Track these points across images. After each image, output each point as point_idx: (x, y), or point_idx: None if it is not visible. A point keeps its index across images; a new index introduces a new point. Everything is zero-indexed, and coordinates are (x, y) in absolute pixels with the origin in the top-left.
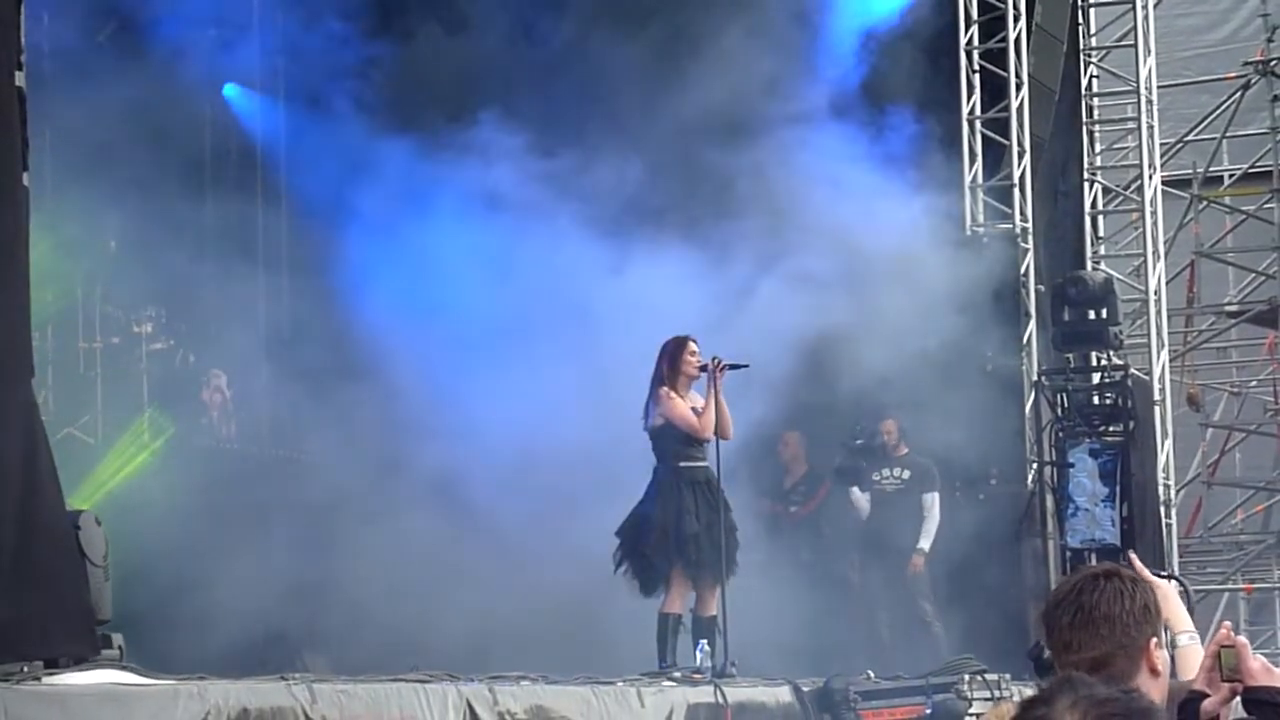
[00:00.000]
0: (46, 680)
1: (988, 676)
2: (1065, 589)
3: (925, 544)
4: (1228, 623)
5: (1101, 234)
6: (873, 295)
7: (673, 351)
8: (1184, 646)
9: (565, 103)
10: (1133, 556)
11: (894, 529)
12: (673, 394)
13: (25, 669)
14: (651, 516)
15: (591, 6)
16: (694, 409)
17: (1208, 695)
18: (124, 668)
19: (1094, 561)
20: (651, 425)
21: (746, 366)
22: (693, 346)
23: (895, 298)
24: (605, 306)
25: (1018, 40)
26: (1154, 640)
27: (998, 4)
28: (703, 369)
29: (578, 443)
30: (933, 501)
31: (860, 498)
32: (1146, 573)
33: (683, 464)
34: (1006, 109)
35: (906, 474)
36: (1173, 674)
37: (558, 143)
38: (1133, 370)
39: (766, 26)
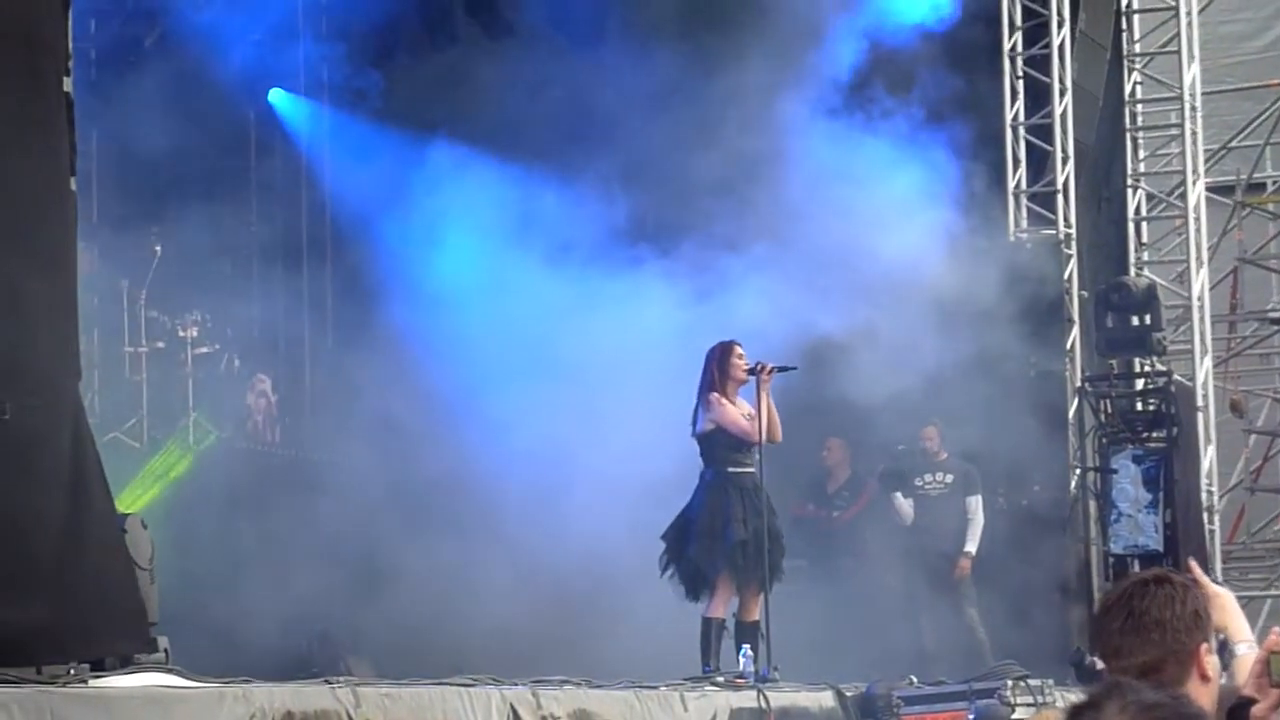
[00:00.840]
0: (92, 683)
1: (1030, 682)
2: (1115, 594)
3: (972, 547)
4: (1277, 628)
5: (1145, 240)
6: (917, 301)
7: (720, 356)
8: (1242, 655)
9: (605, 112)
10: (1192, 564)
11: (938, 533)
12: (724, 400)
13: (72, 671)
14: (698, 521)
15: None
16: (744, 414)
17: (1257, 701)
18: (169, 670)
19: (1138, 568)
20: (701, 430)
21: (795, 369)
22: (739, 350)
23: (939, 304)
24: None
25: (1061, 46)
26: (1204, 646)
27: (1041, 10)
28: (750, 372)
29: (615, 449)
30: (976, 505)
31: (904, 503)
32: (1206, 580)
33: (731, 469)
34: (1050, 115)
35: (949, 478)
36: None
37: (598, 158)
38: (1176, 376)
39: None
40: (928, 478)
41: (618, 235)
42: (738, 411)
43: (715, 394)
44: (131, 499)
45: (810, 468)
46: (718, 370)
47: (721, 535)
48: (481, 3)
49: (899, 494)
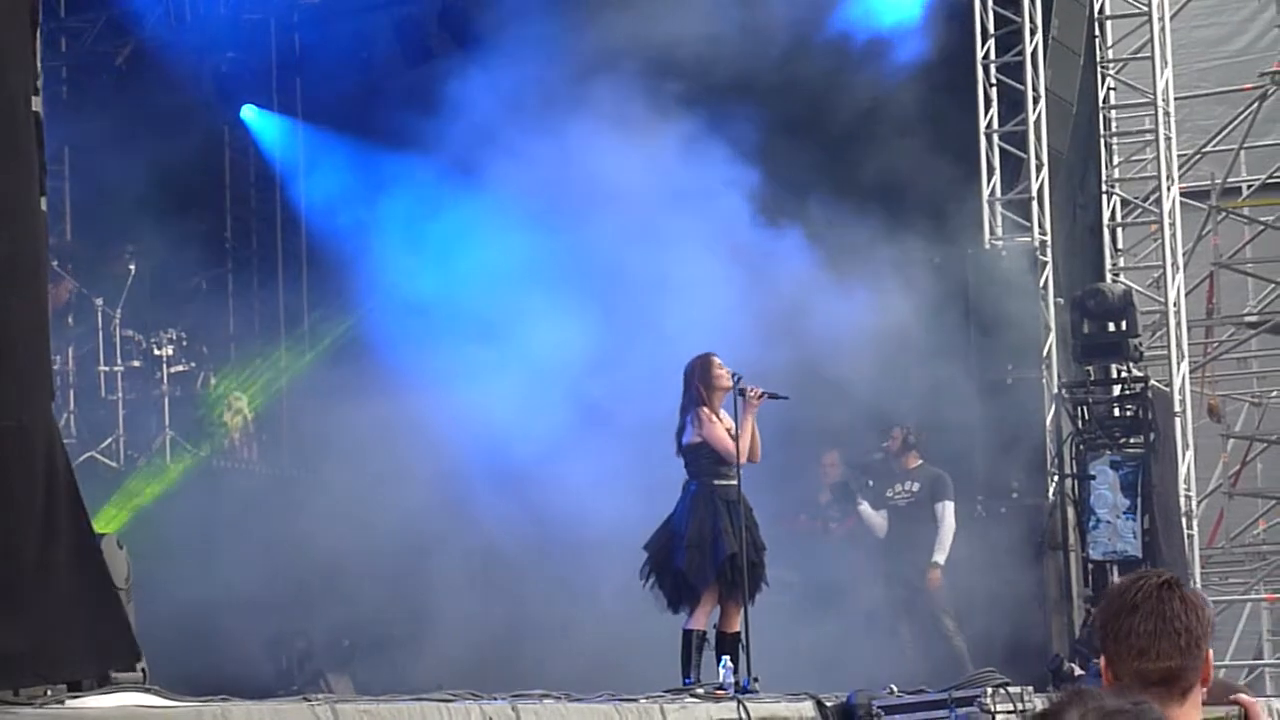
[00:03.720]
0: (70, 703)
1: (1010, 689)
2: (1139, 595)
3: (940, 557)
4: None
5: (1120, 246)
6: (891, 310)
7: (701, 371)
8: None
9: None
10: (1244, 699)
11: (910, 543)
12: (712, 416)
13: (49, 692)
14: (686, 535)
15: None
16: (727, 430)
17: None
18: (147, 690)
19: (1117, 574)
20: (688, 442)
21: (787, 399)
22: (716, 360)
23: (913, 312)
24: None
25: (1034, 54)
26: (1209, 651)
27: (1014, 18)
28: (734, 383)
29: (601, 458)
30: (945, 511)
31: (874, 515)
32: (1257, 707)
33: (716, 482)
34: (1024, 122)
35: (916, 486)
36: None
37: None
38: (1153, 382)
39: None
40: (897, 488)
41: (604, 245)
42: (723, 429)
43: (705, 409)
44: (109, 519)
45: (801, 480)
46: (701, 385)
47: (711, 548)
48: (454, 16)
49: (867, 505)
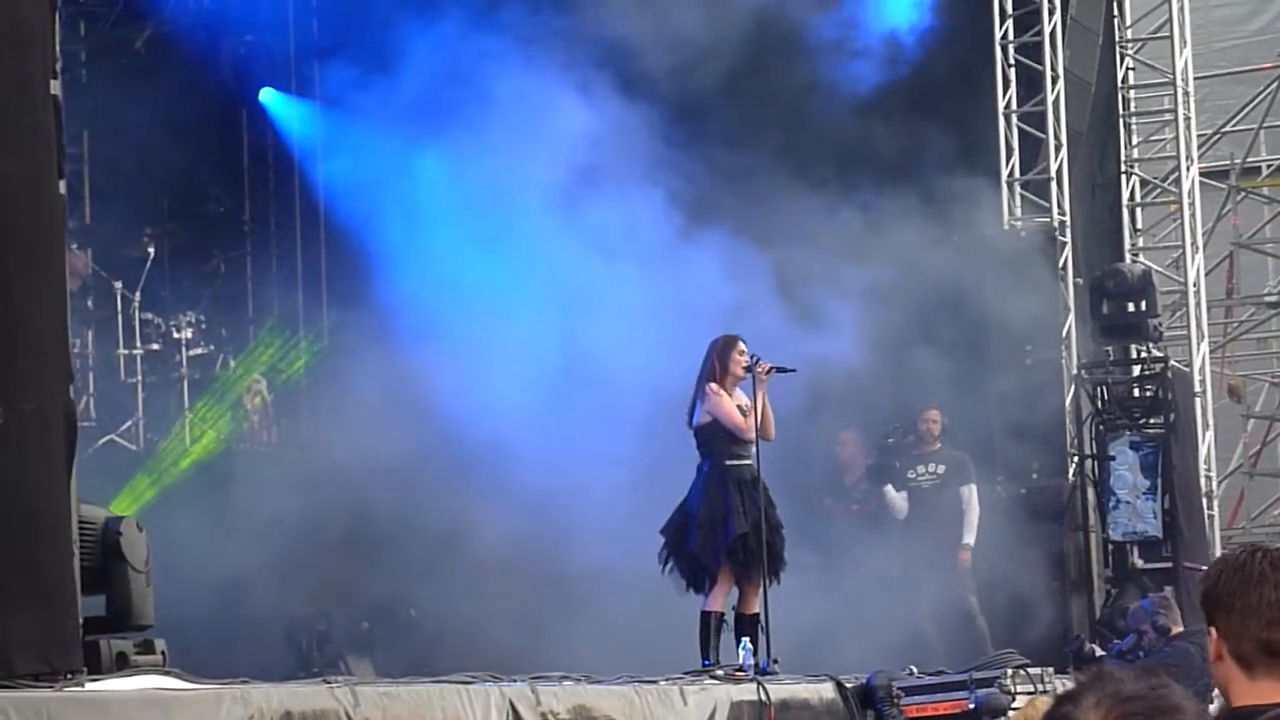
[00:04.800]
0: (90, 686)
1: (1030, 670)
2: (1267, 565)
3: (969, 538)
4: None
5: (1139, 226)
6: (910, 290)
7: (722, 350)
8: None
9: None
10: None
11: (933, 525)
12: (721, 391)
13: (70, 675)
14: (698, 515)
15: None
16: (740, 407)
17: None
18: (167, 672)
19: (1137, 554)
20: (699, 422)
21: (794, 371)
22: (741, 346)
23: (933, 293)
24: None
25: (1053, 34)
26: None
27: None
28: (748, 369)
29: (619, 438)
30: (970, 494)
31: (896, 496)
32: None
33: (729, 462)
34: (1043, 103)
35: (941, 469)
36: None
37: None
38: (1173, 362)
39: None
40: (920, 470)
41: (626, 232)
42: (733, 404)
43: (714, 385)
44: (129, 501)
45: (821, 462)
46: (718, 363)
47: (722, 528)
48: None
49: (890, 487)
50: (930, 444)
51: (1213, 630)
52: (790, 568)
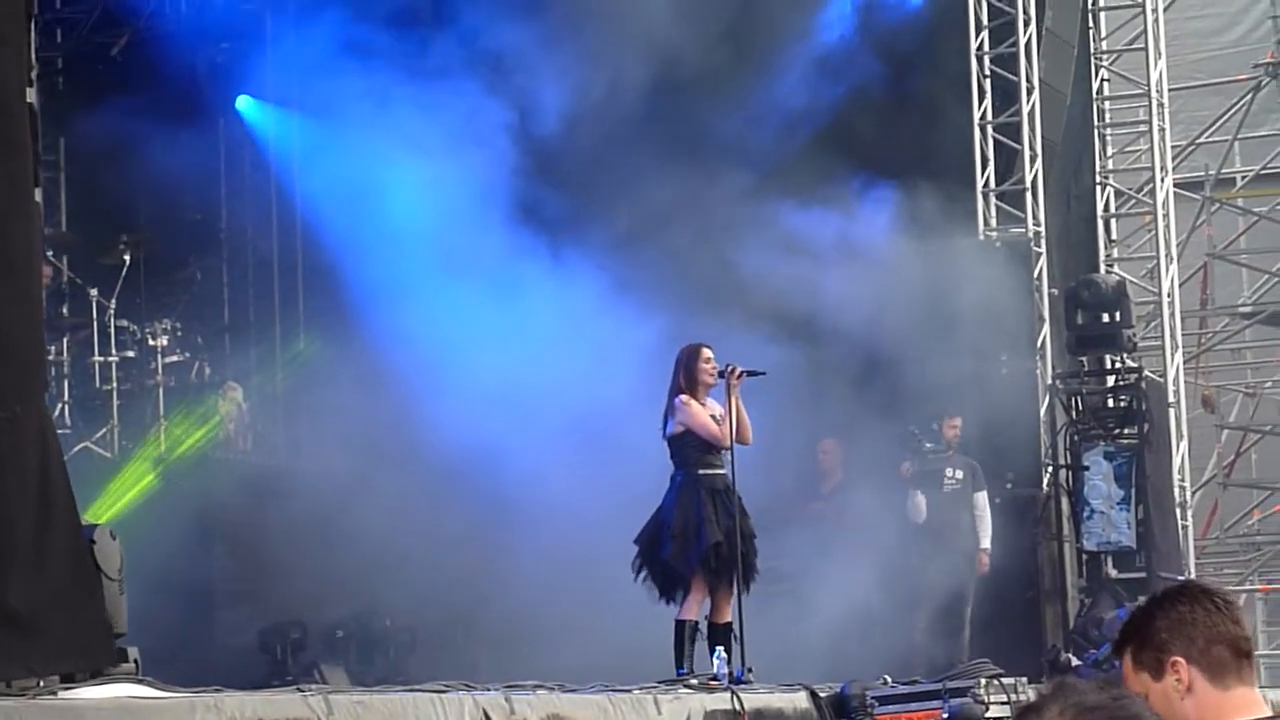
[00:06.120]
0: (62, 695)
1: (1004, 680)
2: (1225, 598)
3: (986, 542)
4: None
5: (1114, 237)
6: (887, 301)
7: (688, 360)
8: None
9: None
10: None
11: (955, 530)
12: (692, 401)
13: (41, 684)
14: (671, 525)
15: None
16: (713, 416)
17: None
18: (140, 681)
19: (1111, 564)
20: (671, 433)
21: (764, 374)
22: (707, 353)
23: (907, 303)
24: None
25: (1028, 45)
26: None
27: (1008, 9)
28: (720, 375)
29: (593, 446)
30: (984, 501)
31: (921, 501)
32: None
33: (702, 471)
34: (1018, 113)
35: (960, 474)
36: None
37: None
38: (1147, 373)
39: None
40: (947, 473)
41: (598, 249)
42: (706, 413)
43: (684, 395)
44: (103, 509)
45: (793, 469)
46: (685, 373)
47: (695, 537)
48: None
49: (919, 492)
50: (950, 450)
51: (1178, 662)
52: (765, 576)
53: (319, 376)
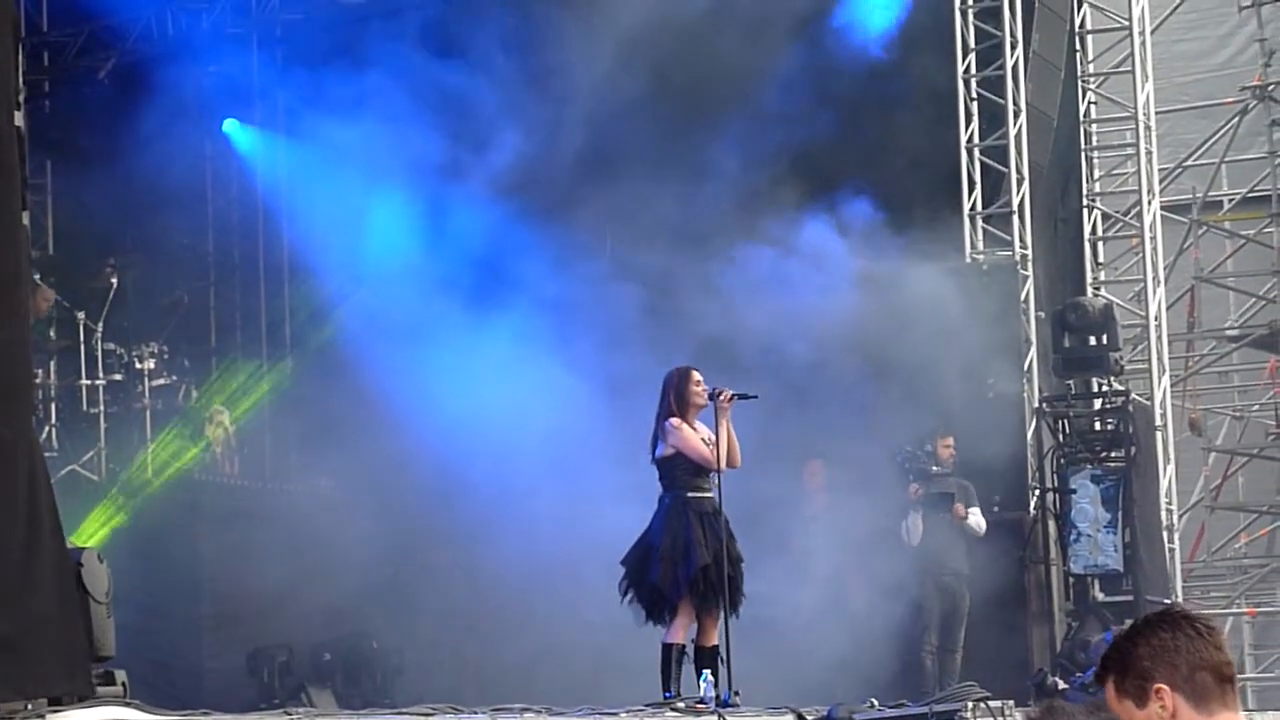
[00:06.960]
0: (50, 718)
1: (991, 703)
2: (1208, 624)
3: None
4: None
5: (1101, 260)
6: (871, 324)
7: (677, 383)
8: None
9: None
10: None
11: (951, 550)
12: (683, 425)
13: (29, 706)
14: (659, 547)
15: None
16: (703, 440)
17: None
18: (128, 704)
19: (1098, 587)
20: (661, 455)
21: (755, 398)
22: (696, 376)
23: (894, 326)
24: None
25: (1015, 68)
26: None
27: (995, 32)
28: (711, 397)
29: (580, 466)
30: (979, 519)
31: (919, 522)
32: None
33: (691, 494)
34: (1005, 137)
35: (954, 494)
36: None
37: (566, 172)
38: (1134, 396)
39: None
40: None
41: (597, 269)
42: (698, 437)
43: (675, 419)
44: (90, 532)
45: (775, 491)
46: (675, 396)
47: (684, 560)
48: (436, 29)
49: (918, 514)
50: (945, 470)
51: (1162, 689)
52: (754, 599)
53: (305, 401)
